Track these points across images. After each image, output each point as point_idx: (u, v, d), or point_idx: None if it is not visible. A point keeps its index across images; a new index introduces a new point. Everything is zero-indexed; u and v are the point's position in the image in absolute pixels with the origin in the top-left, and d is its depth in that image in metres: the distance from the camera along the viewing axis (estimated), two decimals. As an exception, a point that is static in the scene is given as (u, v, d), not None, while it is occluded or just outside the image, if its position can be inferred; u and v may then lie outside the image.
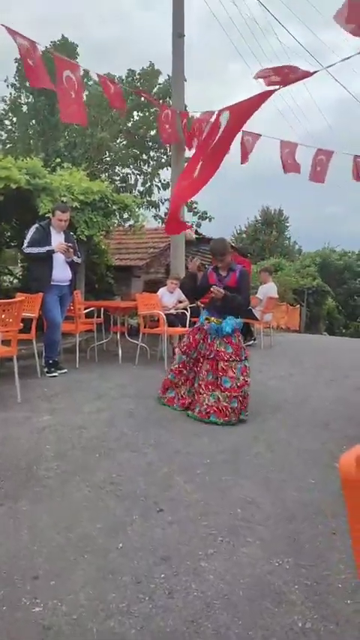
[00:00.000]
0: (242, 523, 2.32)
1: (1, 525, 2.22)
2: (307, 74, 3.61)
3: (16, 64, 11.90)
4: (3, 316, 4.01)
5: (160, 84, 12.15)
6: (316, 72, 3.64)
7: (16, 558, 1.98)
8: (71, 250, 5.31)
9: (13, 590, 1.79)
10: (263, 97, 3.71)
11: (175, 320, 6.81)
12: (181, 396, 4.27)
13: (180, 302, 7.25)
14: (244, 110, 3.81)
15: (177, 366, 4.31)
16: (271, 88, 3.67)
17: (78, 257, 5.60)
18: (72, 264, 5.50)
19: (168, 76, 11.91)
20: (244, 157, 6.75)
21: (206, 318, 4.21)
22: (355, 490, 0.88)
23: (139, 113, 12.03)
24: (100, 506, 2.44)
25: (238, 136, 6.90)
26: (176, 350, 7.02)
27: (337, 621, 1.66)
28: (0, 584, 1.82)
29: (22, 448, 3.17)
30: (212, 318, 4.15)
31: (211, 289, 4.12)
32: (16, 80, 12.21)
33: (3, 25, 4.24)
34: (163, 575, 1.89)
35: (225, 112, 3.87)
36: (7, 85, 12.29)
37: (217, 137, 3.93)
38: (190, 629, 1.61)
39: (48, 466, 2.90)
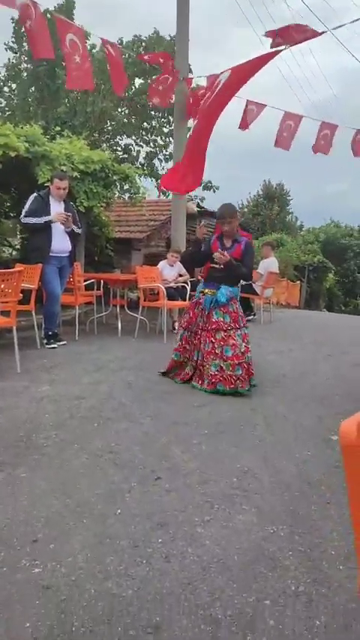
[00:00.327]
0: (238, 492, 2.35)
1: (0, 491, 2.26)
2: (315, 34, 3.51)
3: (13, 24, 11.43)
4: (2, 286, 3.98)
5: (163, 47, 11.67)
6: (323, 32, 3.54)
7: (16, 523, 2.01)
8: (70, 219, 5.25)
9: (13, 552, 1.82)
10: (266, 58, 3.59)
11: (175, 293, 6.79)
12: (185, 373, 4.27)
13: (180, 275, 7.22)
14: (245, 70, 3.69)
15: (180, 343, 4.28)
16: (278, 48, 3.56)
17: (78, 227, 5.53)
18: (72, 235, 5.44)
19: (169, 36, 11.45)
20: (244, 124, 6.60)
21: (201, 291, 4.19)
22: (354, 456, 0.89)
23: (142, 80, 11.67)
24: (98, 474, 2.47)
25: (242, 103, 6.75)
26: (176, 325, 7.05)
27: (329, 585, 1.70)
28: (0, 546, 1.85)
29: (21, 417, 3.20)
30: (207, 290, 4.13)
31: (216, 254, 4.02)
32: (13, 42, 11.75)
33: None
34: (160, 540, 1.93)
35: (226, 72, 3.74)
36: (6, 49, 11.84)
37: (213, 95, 3.80)
38: (186, 591, 1.65)
39: (47, 435, 2.93)
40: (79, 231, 5.61)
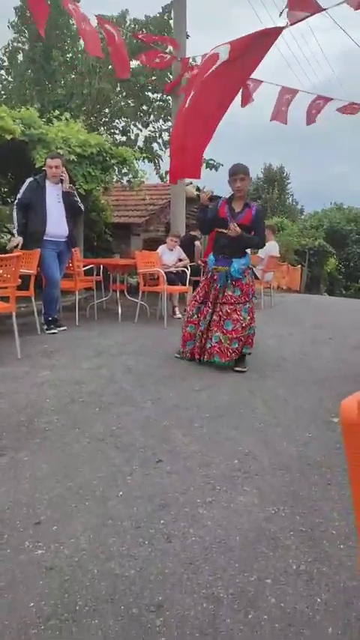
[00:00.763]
0: (239, 474, 2.36)
1: (2, 475, 2.27)
2: (318, 9, 3.43)
3: (20, 2, 11.18)
4: (0, 272, 3.96)
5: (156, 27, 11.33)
6: (325, 9, 3.46)
7: (18, 505, 2.03)
8: (66, 178, 5.26)
9: (16, 534, 1.84)
10: (271, 36, 3.49)
11: (175, 278, 6.77)
12: (196, 346, 4.29)
13: (180, 260, 7.18)
14: (246, 45, 3.56)
15: (197, 316, 4.27)
16: (280, 26, 3.48)
17: (78, 201, 5.51)
18: (73, 212, 5.42)
19: (162, 8, 11.18)
20: (246, 100, 6.48)
21: (214, 268, 4.16)
22: (355, 435, 0.88)
23: (139, 62, 11.44)
24: (99, 457, 2.48)
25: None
26: (176, 310, 7.03)
27: (330, 564, 1.71)
28: (3, 529, 1.87)
29: (22, 402, 3.20)
30: (220, 267, 4.11)
31: (228, 227, 3.95)
32: (17, 19, 11.44)
33: None
34: (162, 522, 1.95)
35: (224, 45, 3.62)
36: (8, 27, 11.59)
37: (216, 66, 3.66)
38: (188, 571, 1.67)
39: (48, 419, 2.94)
40: (81, 206, 5.60)
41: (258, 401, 3.47)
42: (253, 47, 3.53)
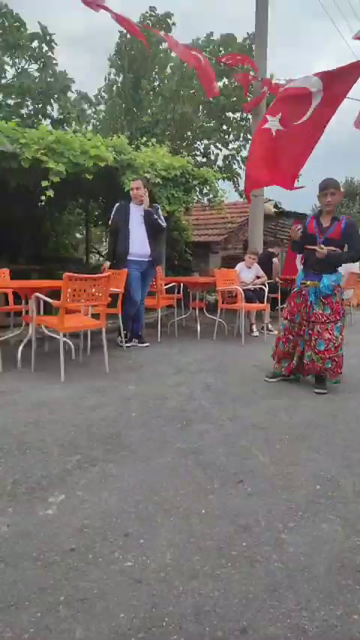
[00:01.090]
0: (322, 500, 2.32)
1: (94, 485, 2.42)
2: None
3: (119, 39, 12.02)
4: (93, 290, 4.23)
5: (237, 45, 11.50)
6: None
7: (109, 516, 2.15)
8: (145, 200, 5.53)
9: (107, 544, 1.95)
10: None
11: (252, 295, 6.77)
12: (292, 364, 4.30)
13: (258, 277, 7.17)
14: (337, 79, 3.57)
15: (283, 334, 4.29)
16: None
17: (161, 218, 5.73)
18: (155, 230, 5.63)
19: (247, 33, 11.36)
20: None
21: (302, 283, 4.14)
22: None
23: (219, 83, 11.71)
24: (182, 473, 2.55)
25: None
26: (254, 327, 7.01)
27: None
28: (95, 537, 1.99)
29: (112, 415, 3.38)
30: (309, 282, 4.08)
31: (316, 248, 3.95)
32: (114, 55, 12.27)
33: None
34: (244, 544, 1.97)
35: (315, 78, 3.64)
36: (108, 60, 12.48)
37: (308, 111, 3.72)
38: (272, 598, 1.67)
39: (134, 433, 3.08)
40: (163, 224, 5.79)
41: (340, 423, 3.37)
42: (343, 79, 3.53)
